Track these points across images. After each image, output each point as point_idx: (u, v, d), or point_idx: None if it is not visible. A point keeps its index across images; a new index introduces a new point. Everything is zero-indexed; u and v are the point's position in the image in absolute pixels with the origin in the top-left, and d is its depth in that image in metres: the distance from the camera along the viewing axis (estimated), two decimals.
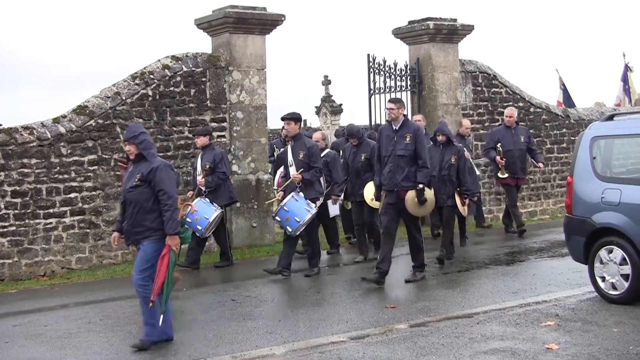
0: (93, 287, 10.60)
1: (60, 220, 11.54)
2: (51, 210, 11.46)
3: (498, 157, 13.46)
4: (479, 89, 15.91)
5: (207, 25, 13.42)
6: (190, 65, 12.81)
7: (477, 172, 13.72)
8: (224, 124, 13.11)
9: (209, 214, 11.18)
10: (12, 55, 69.59)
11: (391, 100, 9.93)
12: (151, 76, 12.43)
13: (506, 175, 13.48)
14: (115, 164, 11.87)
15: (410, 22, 15.46)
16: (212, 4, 30.05)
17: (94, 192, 11.78)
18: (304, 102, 47.70)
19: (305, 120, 28.86)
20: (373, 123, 15.38)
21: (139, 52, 77.90)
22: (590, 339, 6.78)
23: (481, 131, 15.83)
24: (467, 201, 11.16)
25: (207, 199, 11.28)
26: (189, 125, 12.69)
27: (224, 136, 13.04)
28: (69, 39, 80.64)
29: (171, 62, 12.69)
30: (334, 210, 12.06)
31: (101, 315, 8.79)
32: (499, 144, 13.52)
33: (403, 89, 15.29)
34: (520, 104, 16.35)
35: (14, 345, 7.63)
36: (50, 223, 11.46)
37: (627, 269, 7.96)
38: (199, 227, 11.12)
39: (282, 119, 10.99)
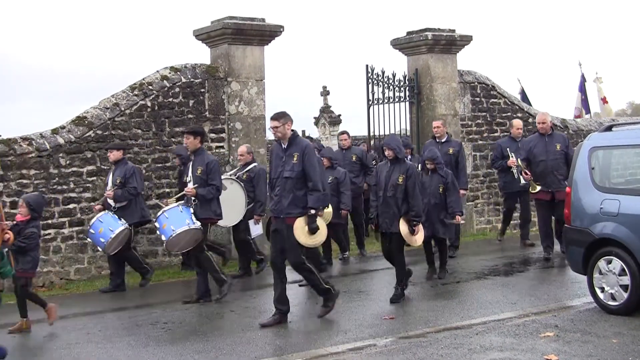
0: (92, 298, 10.59)
1: (59, 231, 11.54)
2: (50, 221, 11.45)
3: (523, 172, 12.08)
4: (478, 99, 15.93)
5: (205, 36, 13.45)
6: (189, 76, 12.83)
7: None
8: (223, 135, 13.12)
9: (114, 227, 10.57)
10: (10, 65, 69.72)
11: (274, 117, 8.40)
12: (150, 87, 12.45)
13: (537, 189, 11.83)
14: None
15: (408, 33, 15.49)
16: (210, 15, 30.16)
17: (92, 203, 11.72)
18: (302, 112, 47.81)
19: (304, 131, 28.86)
20: (372, 134, 15.41)
21: (137, 63, 78.11)
22: (590, 349, 6.77)
23: (479, 142, 15.85)
24: (416, 229, 9.31)
25: (115, 214, 10.75)
26: None
27: (222, 147, 13.04)
28: (68, 51, 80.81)
29: (170, 73, 12.71)
30: (256, 230, 11.45)
31: (100, 326, 8.77)
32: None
33: (401, 99, 15.32)
34: (519, 115, 16.38)
35: (12, 356, 7.60)
36: (49, 234, 11.45)
37: (626, 280, 7.96)
38: (102, 240, 10.57)
39: (182, 132, 10.61)
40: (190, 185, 9.80)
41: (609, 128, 8.84)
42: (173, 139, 12.54)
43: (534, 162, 11.91)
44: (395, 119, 15.25)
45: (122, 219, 10.74)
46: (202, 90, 12.93)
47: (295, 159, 8.25)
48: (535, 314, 8.35)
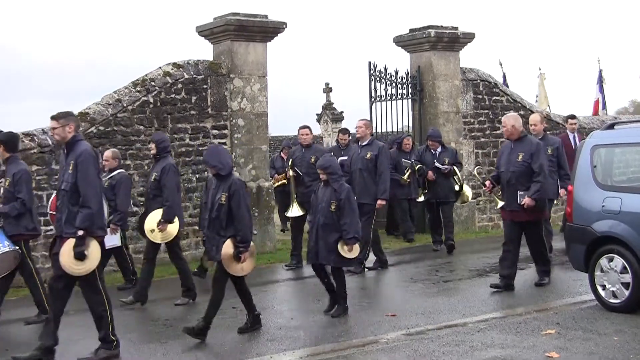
0: None
1: None
2: None
3: (487, 182, 10.01)
4: (480, 97, 15.93)
5: (208, 32, 13.45)
6: (192, 72, 12.83)
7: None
8: (225, 131, 13.13)
9: None
10: (14, 63, 69.79)
11: (53, 117, 7.31)
12: (152, 83, 12.45)
13: (500, 204, 9.86)
14: None
15: (411, 30, 15.49)
16: (213, 12, 30.23)
17: None
18: (305, 109, 47.86)
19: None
20: (373, 131, 15.40)
21: (140, 58, 78.13)
22: (591, 347, 6.77)
23: (482, 139, 15.87)
24: (243, 256, 7.68)
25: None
26: (190, 132, 12.71)
27: (225, 143, 13.05)
28: (69, 49, 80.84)
29: (172, 69, 12.72)
30: (111, 240, 9.90)
31: None
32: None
33: (404, 96, 15.33)
34: (522, 112, 16.35)
35: (15, 352, 7.61)
36: (51, 230, 11.43)
37: (627, 278, 7.97)
38: None
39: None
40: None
41: (611, 126, 8.85)
42: (175, 135, 12.55)
43: (499, 172, 9.84)
44: (397, 116, 15.29)
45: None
46: (205, 86, 12.94)
47: (71, 168, 7.08)
48: (537, 312, 8.36)
